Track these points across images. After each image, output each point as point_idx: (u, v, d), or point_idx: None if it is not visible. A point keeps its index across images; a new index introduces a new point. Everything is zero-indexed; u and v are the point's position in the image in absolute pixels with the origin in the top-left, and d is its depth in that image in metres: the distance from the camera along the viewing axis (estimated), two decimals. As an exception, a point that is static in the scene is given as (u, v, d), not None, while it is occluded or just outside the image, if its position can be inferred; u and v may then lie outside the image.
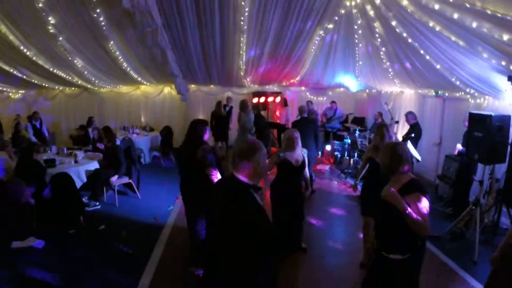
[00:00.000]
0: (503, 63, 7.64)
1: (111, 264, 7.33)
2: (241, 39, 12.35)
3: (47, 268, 6.89)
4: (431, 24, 8.16)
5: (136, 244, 8.14)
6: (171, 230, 8.94)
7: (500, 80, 8.43)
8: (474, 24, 6.77)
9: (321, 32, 12.55)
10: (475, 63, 8.69)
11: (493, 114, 8.52)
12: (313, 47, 13.70)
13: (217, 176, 6.27)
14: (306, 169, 7.32)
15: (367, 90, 18.57)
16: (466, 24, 6.91)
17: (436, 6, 7.23)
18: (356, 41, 12.85)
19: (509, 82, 7.82)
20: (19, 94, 19.81)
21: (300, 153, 7.11)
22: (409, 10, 8.40)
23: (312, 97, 19.08)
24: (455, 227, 8.80)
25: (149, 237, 8.44)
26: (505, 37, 6.43)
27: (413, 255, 4.31)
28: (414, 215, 4.04)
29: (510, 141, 8.40)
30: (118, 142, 11.45)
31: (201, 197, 6.23)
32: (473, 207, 8.25)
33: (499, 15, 6.03)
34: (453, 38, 8.02)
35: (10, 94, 19.84)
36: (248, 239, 3.27)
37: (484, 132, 8.44)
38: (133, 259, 7.53)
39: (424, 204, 4.14)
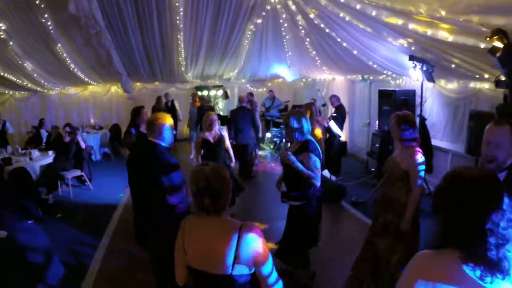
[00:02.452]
0: (405, 44, 8.64)
1: (71, 239, 8.33)
2: (178, 36, 13.11)
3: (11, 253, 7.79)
4: (341, 14, 9.09)
5: (92, 224, 9.14)
6: (122, 210, 10.00)
7: (407, 60, 9.14)
8: (374, 13, 7.68)
9: (252, 27, 13.46)
10: (384, 47, 9.71)
11: (397, 89, 9.71)
12: (246, 41, 14.64)
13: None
14: (227, 142, 8.45)
15: (303, 80, 19.58)
16: (368, 13, 7.82)
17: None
18: (283, 33, 13.79)
19: (411, 62, 8.79)
20: None
21: (217, 131, 8.17)
22: (322, 4, 9.32)
23: (252, 88, 20.10)
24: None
25: (103, 219, 9.42)
26: (400, 22, 7.36)
27: (308, 201, 5.52)
28: (305, 171, 5.22)
29: (418, 113, 9.52)
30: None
31: None
32: None
33: (388, 4, 7.10)
34: (361, 26, 8.98)
35: None
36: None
37: (390, 106, 9.61)
38: (89, 234, 8.54)
39: (312, 160, 5.27)
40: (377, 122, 12.00)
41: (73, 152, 11.68)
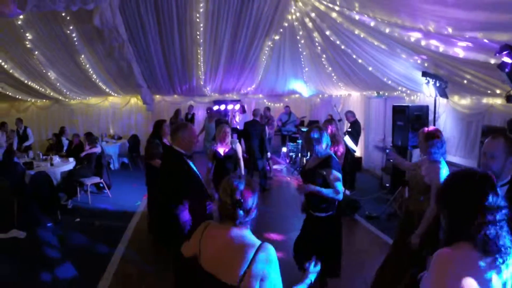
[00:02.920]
0: (419, 61, 8.73)
1: (88, 244, 8.60)
2: (198, 51, 13.45)
3: (29, 254, 8.11)
4: (356, 32, 9.24)
5: (109, 230, 9.42)
6: (139, 218, 10.23)
7: (420, 76, 9.26)
8: (387, 30, 7.79)
9: (270, 43, 13.74)
10: (398, 63, 9.81)
11: (410, 105, 9.88)
12: (264, 57, 14.91)
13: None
14: (239, 155, 8.56)
15: (320, 95, 19.73)
16: (382, 30, 7.94)
17: (357, 17, 8.32)
18: (300, 49, 14.04)
19: (423, 78, 8.96)
20: None
21: (228, 144, 8.31)
22: (338, 21, 9.51)
23: (269, 103, 20.24)
24: (390, 208, 10.03)
25: (120, 225, 9.66)
26: (412, 38, 7.46)
27: (332, 213, 5.63)
28: (324, 191, 5.32)
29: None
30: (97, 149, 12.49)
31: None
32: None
33: (400, 23, 7.29)
34: (376, 43, 9.13)
35: None
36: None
37: (404, 121, 9.78)
38: (106, 239, 8.76)
39: (334, 176, 5.37)
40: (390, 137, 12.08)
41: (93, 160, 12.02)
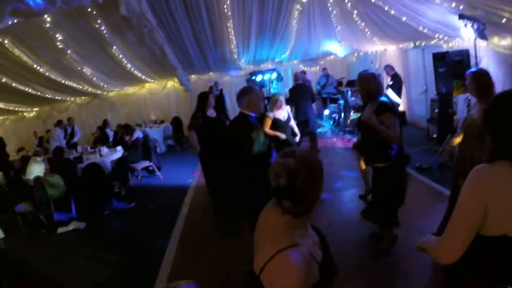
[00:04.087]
0: (453, 4, 8.41)
1: (147, 226, 8.83)
2: (228, 24, 13.37)
3: (92, 242, 8.46)
4: None
5: (165, 210, 9.62)
6: (193, 194, 10.46)
7: (457, 21, 8.95)
8: None
9: (298, 6, 13.50)
10: (433, 10, 9.51)
11: (449, 50, 9.66)
12: (294, 22, 14.66)
13: (191, 137, 8.54)
14: (292, 121, 8.93)
15: (355, 54, 19.39)
16: None
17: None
18: (330, 8, 13.79)
19: (461, 20, 8.63)
20: (34, 112, 20.93)
21: (286, 111, 8.67)
22: None
23: (305, 68, 19.98)
24: (440, 158, 9.93)
25: (175, 203, 9.87)
26: None
27: (393, 162, 5.55)
28: (387, 131, 5.24)
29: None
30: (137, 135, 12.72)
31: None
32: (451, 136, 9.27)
33: None
34: None
35: (25, 113, 20.95)
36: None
37: (445, 67, 9.58)
38: (164, 218, 9.02)
39: (393, 120, 5.29)
40: (434, 87, 11.85)
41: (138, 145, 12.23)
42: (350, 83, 18.63)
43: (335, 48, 18.55)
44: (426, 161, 10.22)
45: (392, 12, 11.02)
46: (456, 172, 5.67)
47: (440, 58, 10.34)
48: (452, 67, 9.54)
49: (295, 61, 20.25)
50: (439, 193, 8.24)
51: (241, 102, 5.57)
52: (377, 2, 10.89)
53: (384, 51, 16.75)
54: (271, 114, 8.38)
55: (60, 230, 9.28)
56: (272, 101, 8.46)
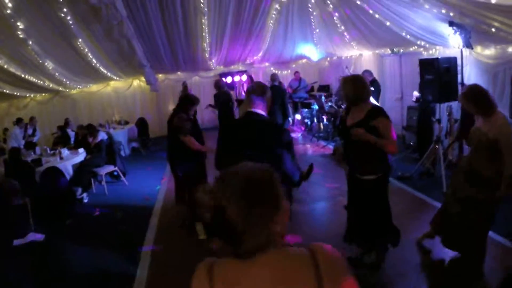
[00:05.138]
0: (443, 11, 8.27)
1: (113, 239, 7.90)
2: (203, 21, 12.80)
3: (53, 257, 7.51)
4: None
5: (133, 220, 8.74)
6: (163, 203, 9.58)
7: (444, 28, 8.97)
8: None
9: (277, 5, 13.05)
10: (419, 15, 9.36)
11: (439, 57, 9.35)
12: (271, 21, 14.22)
13: (194, 142, 7.29)
14: None
15: (328, 58, 19.08)
16: None
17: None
18: (310, 9, 13.38)
19: (450, 28, 8.49)
20: None
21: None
22: None
23: (276, 71, 19.06)
24: (422, 167, 9.63)
25: (143, 213, 8.99)
26: None
27: (383, 175, 5.06)
28: (382, 141, 4.72)
29: (460, 80, 9.19)
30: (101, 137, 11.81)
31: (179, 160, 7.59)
32: (436, 146, 9.07)
33: None
34: None
35: None
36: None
37: (433, 74, 9.24)
38: (132, 231, 8.11)
39: (389, 126, 4.79)
40: (415, 93, 11.51)
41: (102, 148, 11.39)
42: (322, 88, 18.28)
43: (310, 51, 18.15)
44: (405, 169, 10.05)
45: (377, 15, 10.83)
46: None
47: (427, 65, 10.01)
48: (440, 74, 9.22)
49: (267, 64, 19.78)
50: (423, 202, 8.15)
51: (256, 100, 4.77)
52: (361, 5, 10.62)
53: (360, 56, 16.42)
54: None
55: (16, 242, 8.31)
56: (243, 105, 7.78)
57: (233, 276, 1.71)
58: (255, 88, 4.89)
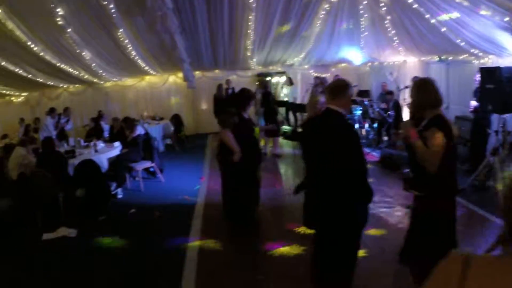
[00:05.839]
0: (506, 18, 7.84)
1: (151, 240, 7.42)
2: (250, 17, 12.35)
3: (83, 255, 7.04)
4: None
5: (172, 220, 8.24)
6: (204, 204, 9.01)
7: (504, 37, 8.67)
8: None
9: (326, 5, 12.53)
10: (478, 22, 8.94)
11: (502, 67, 8.88)
12: (318, 22, 13.68)
13: (230, 138, 6.82)
14: None
15: (369, 63, 18.62)
16: None
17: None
18: (362, 11, 12.85)
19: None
20: (22, 97, 19.81)
21: None
22: None
23: (315, 74, 18.49)
24: (476, 180, 9.03)
25: (184, 213, 8.45)
26: None
27: (438, 193, 4.23)
28: (423, 150, 4.05)
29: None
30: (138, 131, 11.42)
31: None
32: (492, 157, 8.61)
33: None
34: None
35: (13, 98, 19.80)
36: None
37: (495, 83, 8.76)
38: (173, 232, 7.62)
39: (436, 139, 4.00)
40: (472, 102, 10.86)
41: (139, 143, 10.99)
42: (362, 93, 17.76)
43: (354, 55, 17.56)
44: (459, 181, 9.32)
45: (433, 21, 10.45)
46: None
47: (489, 74, 9.54)
48: (501, 84, 8.73)
49: (306, 66, 19.19)
50: (481, 216, 7.52)
51: (337, 96, 4.22)
52: (418, 8, 10.21)
53: (404, 63, 16.01)
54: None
55: (46, 236, 7.88)
56: (310, 104, 7.21)
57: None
58: (336, 83, 4.47)
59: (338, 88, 4.25)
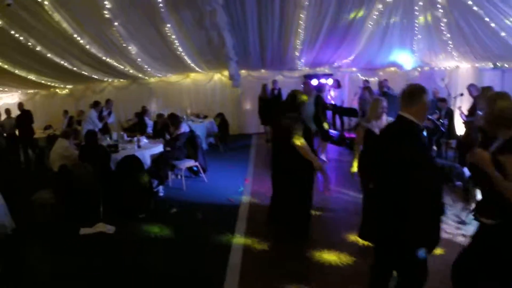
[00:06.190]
0: None
1: (193, 242, 7.13)
2: (301, 15, 12.02)
3: (121, 253, 6.84)
4: None
5: (215, 222, 7.87)
6: (249, 208, 8.57)
7: None
8: None
9: (380, 6, 12.11)
10: None
11: None
12: (371, 23, 13.27)
13: (307, 150, 6.29)
14: None
15: (418, 68, 17.91)
16: None
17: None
18: (417, 13, 12.36)
19: None
20: (67, 90, 20.18)
21: (385, 122, 6.47)
22: None
23: (363, 78, 18.49)
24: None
25: (227, 215, 8.11)
26: None
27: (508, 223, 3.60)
28: (504, 182, 3.40)
29: None
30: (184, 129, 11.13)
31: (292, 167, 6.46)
32: None
33: None
34: None
35: (57, 90, 20.20)
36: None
37: None
38: (216, 233, 7.26)
39: None
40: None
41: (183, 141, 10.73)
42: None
43: (404, 59, 17.02)
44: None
45: (492, 24, 10.04)
46: None
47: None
48: None
49: (354, 69, 18.84)
50: None
51: (411, 103, 3.74)
52: (478, 11, 9.79)
53: (456, 69, 15.34)
54: (366, 125, 6.67)
55: (83, 231, 7.66)
56: (372, 107, 6.73)
57: None
58: (409, 88, 3.97)
59: (412, 94, 3.75)
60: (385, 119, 6.54)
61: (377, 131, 6.29)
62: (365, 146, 6.49)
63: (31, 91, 20.65)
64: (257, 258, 6.35)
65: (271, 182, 7.20)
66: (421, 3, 11.74)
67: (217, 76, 18.73)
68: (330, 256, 6.09)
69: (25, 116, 14.68)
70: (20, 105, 15.46)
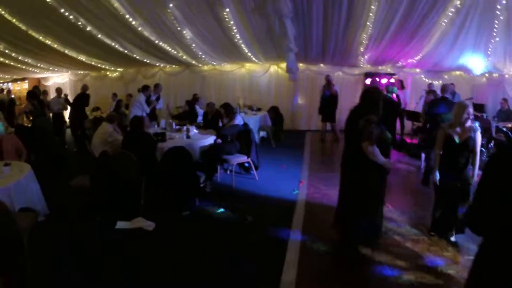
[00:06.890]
0: None
1: (239, 250, 6.36)
2: (372, 7, 11.19)
3: (159, 253, 6.19)
4: None
5: (266, 230, 7.08)
6: (304, 214, 7.70)
7: None
8: None
9: (457, 2, 11.14)
10: None
11: None
12: (445, 21, 12.23)
13: (378, 153, 5.55)
14: (477, 149, 5.95)
15: (486, 74, 16.92)
16: None
17: None
18: (498, 12, 11.29)
19: None
20: (117, 73, 20.28)
21: (468, 129, 5.90)
22: None
23: (427, 80, 17.43)
24: None
25: (281, 222, 7.30)
26: None
27: None
28: None
29: None
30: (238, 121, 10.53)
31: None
32: None
33: None
34: None
35: (108, 72, 20.38)
36: None
37: None
38: (268, 243, 6.55)
39: None
40: None
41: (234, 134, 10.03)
42: (476, 107, 16.17)
43: (474, 63, 15.79)
44: None
45: None
46: None
47: None
48: None
49: (417, 70, 17.83)
50: None
51: None
52: None
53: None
54: (448, 130, 5.94)
55: (120, 225, 7.08)
56: (457, 112, 5.96)
57: None
58: None
59: None
60: (470, 126, 5.92)
61: (457, 139, 5.93)
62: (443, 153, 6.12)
63: (81, 72, 20.85)
64: (316, 278, 5.52)
65: (340, 185, 6.43)
66: (504, 2, 10.71)
67: (273, 68, 18.16)
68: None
69: (85, 98, 14.94)
70: (85, 87, 15.56)
